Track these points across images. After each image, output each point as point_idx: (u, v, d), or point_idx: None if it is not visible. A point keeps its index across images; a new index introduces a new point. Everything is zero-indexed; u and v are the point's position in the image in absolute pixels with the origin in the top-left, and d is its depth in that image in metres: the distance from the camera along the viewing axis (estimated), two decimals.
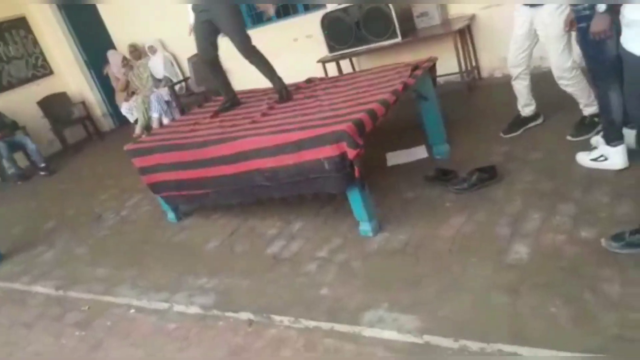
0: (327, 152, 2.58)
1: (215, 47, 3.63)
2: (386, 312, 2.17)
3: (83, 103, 7.44)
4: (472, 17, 4.64)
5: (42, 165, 6.32)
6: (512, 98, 3.46)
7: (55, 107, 7.15)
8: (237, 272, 2.86)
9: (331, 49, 4.90)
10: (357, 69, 5.27)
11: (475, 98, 4.48)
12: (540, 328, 1.84)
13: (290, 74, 3.91)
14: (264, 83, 3.65)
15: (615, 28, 2.26)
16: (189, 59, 6.24)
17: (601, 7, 2.28)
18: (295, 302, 2.43)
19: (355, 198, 2.72)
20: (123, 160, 4.22)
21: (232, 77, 5.58)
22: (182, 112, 5.85)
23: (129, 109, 6.37)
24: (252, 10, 5.91)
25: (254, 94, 3.93)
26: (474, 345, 1.86)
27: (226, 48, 3.66)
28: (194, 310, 2.66)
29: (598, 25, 2.35)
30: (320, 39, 4.90)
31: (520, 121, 3.41)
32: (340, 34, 4.76)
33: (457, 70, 4.54)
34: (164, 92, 6.12)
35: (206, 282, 2.86)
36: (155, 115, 6.03)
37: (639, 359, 1.60)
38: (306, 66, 4.80)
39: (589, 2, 2.38)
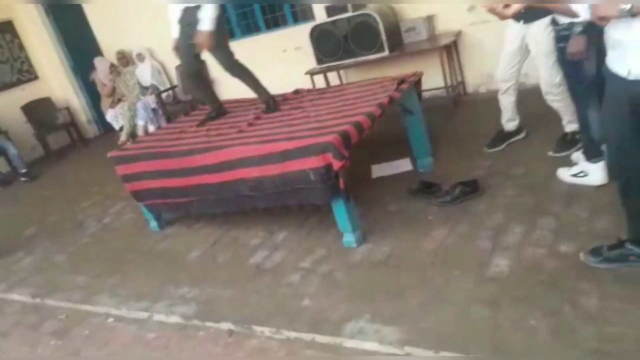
0: (313, 162, 2.59)
1: (199, 60, 3.64)
2: (368, 323, 2.17)
3: (68, 109, 7.37)
4: (459, 33, 4.71)
5: (24, 170, 6.23)
6: (496, 113, 3.51)
7: (39, 112, 7.07)
8: (219, 282, 2.84)
9: (319, 61, 4.93)
10: (344, 81, 5.31)
11: (460, 113, 4.54)
12: (520, 340, 1.85)
13: (279, 85, 3.93)
14: (251, 93, 3.65)
15: (596, 48, 2.32)
16: (177, 68, 6.24)
17: (577, 28, 2.34)
18: (277, 313, 2.42)
19: (339, 209, 2.72)
20: (107, 168, 4.18)
21: (219, 86, 5.63)
22: (169, 120, 5.83)
23: (115, 116, 6.32)
24: (242, 21, 5.94)
25: (241, 104, 3.94)
26: (454, 357, 1.87)
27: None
28: (174, 319, 2.63)
29: (574, 46, 2.42)
30: (309, 51, 4.94)
31: (503, 136, 3.46)
32: (328, 46, 4.80)
33: (442, 85, 4.60)
34: (151, 99, 6.11)
35: (187, 291, 2.83)
36: (141, 123, 6.00)
37: None
38: (294, 77, 4.83)
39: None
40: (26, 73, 7.38)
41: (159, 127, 5.61)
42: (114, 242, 3.77)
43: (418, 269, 2.44)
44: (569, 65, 2.57)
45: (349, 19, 4.62)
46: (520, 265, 2.25)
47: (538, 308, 1.97)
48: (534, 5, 2.15)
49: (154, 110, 6.08)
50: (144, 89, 6.26)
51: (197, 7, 3.26)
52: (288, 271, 2.74)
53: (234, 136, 3.13)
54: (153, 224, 3.72)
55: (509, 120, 3.42)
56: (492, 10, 1.82)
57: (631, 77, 1.61)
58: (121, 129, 6.25)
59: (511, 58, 3.18)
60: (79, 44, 7.18)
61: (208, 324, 2.50)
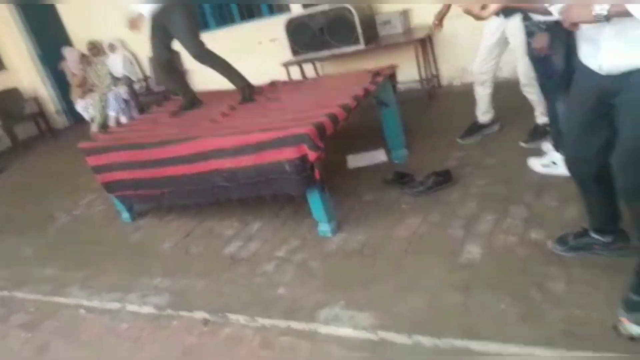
0: (288, 154, 2.59)
1: (169, 50, 3.59)
2: (342, 309, 2.18)
3: (36, 99, 7.18)
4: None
5: None
6: (470, 106, 3.56)
7: (7, 102, 6.88)
8: (193, 272, 2.81)
9: (295, 53, 4.92)
10: (320, 73, 5.31)
11: (435, 106, 4.59)
12: (491, 324, 1.89)
13: (254, 77, 3.90)
14: (227, 83, 3.62)
15: (564, 44, 2.37)
16: (150, 59, 6.14)
17: (542, 25, 2.39)
18: (252, 302, 2.41)
19: (315, 199, 2.73)
20: (77, 159, 4.10)
21: (193, 77, 5.57)
22: (141, 111, 5.75)
23: (85, 107, 6.19)
24: (216, 11, 5.88)
25: (215, 95, 3.90)
26: (427, 341, 1.90)
27: None
28: (147, 310, 2.60)
29: (538, 42, 2.49)
30: (285, 43, 4.92)
31: (477, 127, 3.51)
32: (304, 38, 4.79)
33: (417, 78, 4.64)
34: (123, 90, 6.00)
35: (160, 282, 2.80)
36: (112, 114, 5.90)
37: (583, 351, 1.66)
38: (270, 69, 4.80)
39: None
40: None
41: (131, 118, 5.52)
42: (84, 234, 3.70)
43: (392, 257, 2.46)
44: (537, 60, 2.63)
45: (325, 11, 4.61)
46: (491, 253, 2.30)
47: (508, 293, 2.01)
48: (511, 5, 2.18)
49: (125, 101, 5.98)
50: (116, 80, 6.15)
51: None
52: (263, 261, 2.73)
53: (208, 127, 3.10)
54: (125, 215, 3.66)
55: (484, 113, 3.47)
56: (468, 12, 1.81)
57: (602, 72, 1.65)
58: (92, 119, 6.13)
59: (490, 51, 3.22)
60: (48, 33, 7.01)
61: (182, 313, 2.48)
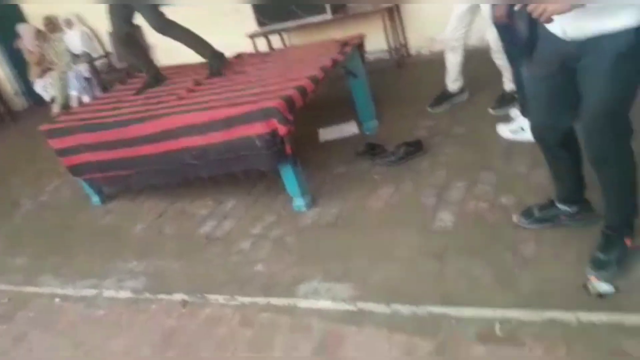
0: (258, 129, 2.56)
1: (129, 23, 3.45)
2: (320, 283, 2.20)
3: None
4: None
5: None
6: (439, 75, 3.56)
7: None
8: (168, 254, 2.79)
9: (261, 24, 4.82)
10: (287, 44, 5.22)
11: (404, 75, 4.58)
12: (466, 289, 1.94)
13: (220, 50, 3.81)
14: (195, 56, 3.52)
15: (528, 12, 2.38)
16: (110, 33, 5.91)
17: None
18: (230, 280, 2.41)
19: (287, 174, 2.72)
20: (40, 142, 3.96)
21: (157, 52, 5.40)
22: (104, 89, 5.55)
23: (44, 86, 5.95)
24: None
25: (181, 70, 3.80)
26: (405, 309, 1.94)
27: None
28: (124, 294, 2.57)
29: (497, 10, 2.51)
30: (250, 14, 4.80)
31: (446, 96, 3.53)
32: (269, 8, 4.68)
33: (386, 47, 4.61)
34: (83, 68, 5.78)
35: (136, 265, 2.77)
36: (74, 94, 5.69)
37: (555, 311, 1.73)
38: (235, 41, 4.68)
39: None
40: None
41: (93, 98, 5.34)
42: (53, 220, 3.61)
43: (366, 228, 2.49)
44: (501, 27, 2.64)
45: None
46: (463, 219, 2.34)
47: (482, 258, 2.06)
48: None
49: (87, 79, 5.76)
50: (75, 57, 5.91)
51: None
52: (238, 239, 2.72)
53: (174, 104, 3.03)
54: (94, 198, 3.58)
55: (454, 81, 3.48)
56: None
57: (567, 38, 1.65)
58: (52, 100, 5.91)
59: (462, 17, 3.20)
60: (0, 11, 6.65)
61: (160, 296, 2.46)
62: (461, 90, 3.54)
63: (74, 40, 5.96)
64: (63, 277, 2.86)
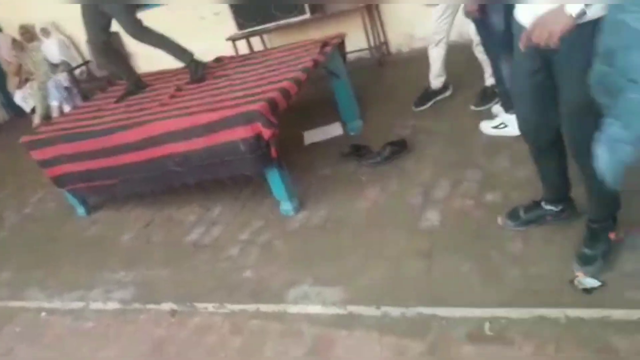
0: (242, 133, 2.54)
1: (106, 31, 3.40)
2: (310, 287, 2.20)
3: None
4: None
5: None
6: (420, 72, 3.57)
7: None
8: (156, 262, 2.76)
9: (240, 26, 4.78)
10: (268, 46, 5.19)
11: (385, 73, 4.58)
12: (454, 289, 1.95)
13: (200, 54, 3.78)
14: (175, 62, 3.48)
15: (503, 6, 2.39)
16: (87, 42, 5.83)
17: None
18: (219, 287, 2.40)
19: (274, 178, 2.71)
20: (22, 154, 3.89)
21: (137, 59, 5.35)
22: (85, 98, 5.48)
23: (24, 97, 5.86)
24: None
25: (162, 76, 3.77)
26: (394, 311, 1.95)
27: None
28: (112, 306, 2.55)
29: (469, 6, 2.54)
30: (229, 16, 4.77)
31: (429, 94, 3.53)
32: (248, 10, 4.65)
33: (366, 46, 4.61)
34: (63, 77, 5.70)
35: (124, 275, 2.74)
36: (54, 104, 5.61)
37: (543, 308, 1.74)
38: (216, 45, 4.65)
39: None
40: None
41: (74, 107, 5.27)
42: (38, 233, 3.55)
43: (355, 230, 2.49)
44: (477, 21, 2.65)
45: None
46: (450, 217, 2.35)
47: (469, 256, 2.07)
48: None
49: (67, 88, 5.68)
50: (54, 67, 5.83)
51: None
52: (227, 245, 2.71)
53: (156, 110, 3.00)
54: (79, 209, 3.53)
55: (436, 76, 3.47)
56: None
57: None
58: (33, 111, 5.82)
59: (443, 10, 3.20)
60: None
61: (149, 306, 2.45)
62: (444, 87, 3.54)
63: (51, 49, 5.87)
64: (49, 290, 2.82)
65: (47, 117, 5.61)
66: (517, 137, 2.75)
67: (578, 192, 1.97)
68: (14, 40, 5.88)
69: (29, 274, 3.04)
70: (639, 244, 1.81)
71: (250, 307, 2.22)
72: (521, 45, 1.49)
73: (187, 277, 2.56)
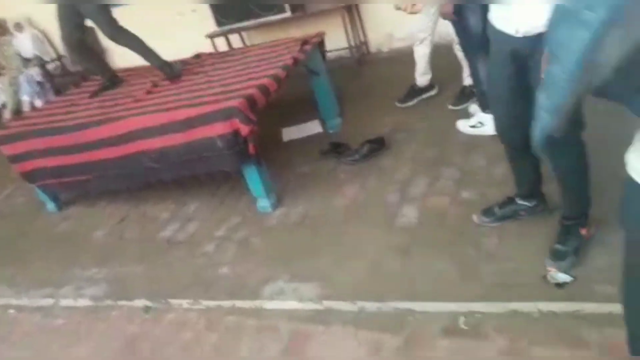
0: (219, 129, 2.51)
1: (80, 29, 3.33)
2: (286, 283, 2.19)
3: None
4: None
5: None
6: (399, 72, 3.58)
7: None
8: (130, 259, 2.71)
9: (219, 23, 4.74)
10: (247, 44, 5.16)
11: (365, 73, 4.59)
12: (430, 284, 1.96)
13: (178, 51, 3.74)
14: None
15: (480, 8, 2.42)
16: (62, 39, 5.71)
17: None
18: (194, 284, 2.37)
19: (251, 175, 2.69)
20: None
21: (112, 55, 5.26)
22: (58, 93, 5.36)
23: None
24: None
25: (138, 72, 3.71)
26: (371, 306, 1.95)
27: None
28: (83, 302, 2.49)
29: (444, 7, 2.58)
30: (208, 13, 4.73)
31: (415, 91, 3.53)
32: (227, 7, 4.61)
33: (346, 45, 4.62)
34: (35, 72, 5.57)
35: (96, 272, 2.68)
36: (26, 98, 5.48)
37: (517, 302, 1.76)
38: (194, 42, 4.60)
39: None
40: None
41: (47, 102, 5.15)
42: (6, 229, 3.45)
43: (332, 227, 2.48)
44: (454, 22, 2.68)
45: None
46: (427, 214, 2.37)
47: (445, 252, 2.08)
48: None
49: (39, 83, 5.56)
50: (27, 61, 5.69)
51: None
52: (202, 242, 2.67)
53: (131, 106, 2.95)
54: (50, 205, 3.45)
55: (422, 74, 3.47)
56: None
57: (519, 35, 1.67)
58: (3, 105, 5.67)
59: (428, 8, 3.22)
60: None
61: (121, 302, 2.40)
62: (431, 85, 3.55)
63: (24, 43, 5.74)
64: (17, 287, 2.75)
65: (17, 112, 5.48)
66: (493, 136, 2.79)
67: (550, 188, 2.00)
68: None
69: None
70: (609, 240, 1.84)
71: (226, 303, 2.19)
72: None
73: (161, 274, 2.52)
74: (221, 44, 4.91)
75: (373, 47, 5.00)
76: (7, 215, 3.65)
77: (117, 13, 3.28)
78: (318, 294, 2.08)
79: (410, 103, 3.52)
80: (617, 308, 1.53)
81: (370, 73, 4.53)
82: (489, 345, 1.66)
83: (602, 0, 0.74)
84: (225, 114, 2.48)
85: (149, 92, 3.13)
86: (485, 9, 2.18)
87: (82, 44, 3.43)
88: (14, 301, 2.65)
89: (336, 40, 4.57)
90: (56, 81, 5.69)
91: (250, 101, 2.54)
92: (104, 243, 2.95)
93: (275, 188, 2.83)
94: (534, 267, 1.86)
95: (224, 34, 4.85)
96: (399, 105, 3.53)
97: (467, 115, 3.07)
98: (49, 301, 2.56)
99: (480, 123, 2.88)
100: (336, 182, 2.86)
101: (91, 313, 2.41)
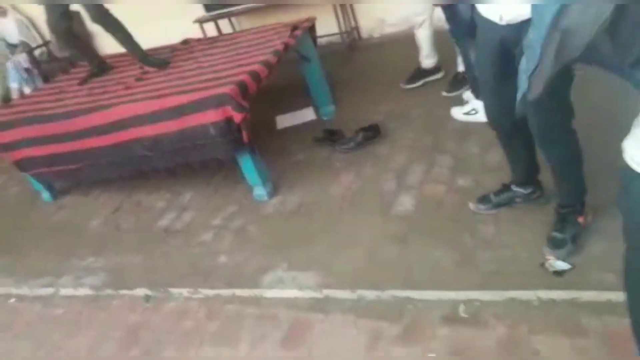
0: (212, 116, 2.50)
1: (67, 17, 3.27)
2: (285, 272, 2.21)
3: None
4: None
5: None
6: (392, 58, 3.57)
7: None
8: (126, 248, 2.72)
9: (208, 8, 4.68)
10: (237, 29, 5.10)
11: (356, 59, 4.57)
12: (428, 272, 1.99)
13: (166, 36, 3.69)
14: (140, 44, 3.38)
15: None
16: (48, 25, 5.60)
17: None
18: (193, 273, 2.38)
19: (246, 163, 2.69)
20: None
21: (100, 40, 5.17)
22: (46, 80, 5.28)
23: None
24: None
25: (127, 58, 3.65)
26: (369, 294, 1.98)
27: None
28: (83, 292, 2.50)
29: None
30: None
31: (420, 73, 3.51)
32: None
33: (337, 31, 4.59)
34: (22, 58, 5.47)
35: (93, 261, 2.69)
36: (14, 86, 5.39)
37: (515, 290, 1.80)
38: (182, 27, 4.53)
39: None
40: None
41: (35, 89, 5.08)
42: (2, 219, 3.43)
43: (329, 215, 2.50)
44: (444, 7, 2.67)
45: None
46: (423, 202, 2.39)
47: (442, 240, 2.11)
48: None
49: (27, 70, 5.46)
50: (13, 47, 5.59)
51: None
52: (199, 231, 2.68)
53: (122, 93, 2.92)
54: (45, 194, 3.43)
55: (427, 57, 3.45)
56: None
57: (503, 22, 1.68)
58: None
59: None
60: None
61: (122, 291, 2.41)
62: (437, 68, 3.52)
63: (9, 29, 5.62)
64: (16, 277, 2.75)
65: (6, 100, 5.39)
66: (486, 123, 2.83)
67: (546, 175, 2.03)
68: None
69: None
70: (607, 228, 1.87)
71: (226, 292, 2.21)
72: None
73: (160, 263, 2.53)
74: (210, 30, 4.85)
75: (364, 33, 4.97)
76: (2, 205, 3.62)
77: None
78: (317, 282, 2.10)
79: (415, 85, 3.50)
80: (616, 296, 1.59)
81: (362, 59, 4.51)
82: (489, 333, 1.70)
83: None
84: (217, 101, 2.47)
85: (139, 79, 3.09)
86: None
87: (69, 32, 3.37)
88: (14, 290, 2.65)
89: (327, 25, 4.53)
90: (43, 67, 5.59)
91: (242, 88, 2.52)
92: (100, 232, 2.95)
93: (270, 176, 2.84)
94: (531, 254, 1.90)
95: (213, 19, 4.79)
96: (403, 86, 3.51)
97: (461, 102, 3.09)
98: (49, 290, 2.57)
99: (474, 110, 2.89)
100: (332, 170, 2.87)
101: (92, 302, 2.42)
